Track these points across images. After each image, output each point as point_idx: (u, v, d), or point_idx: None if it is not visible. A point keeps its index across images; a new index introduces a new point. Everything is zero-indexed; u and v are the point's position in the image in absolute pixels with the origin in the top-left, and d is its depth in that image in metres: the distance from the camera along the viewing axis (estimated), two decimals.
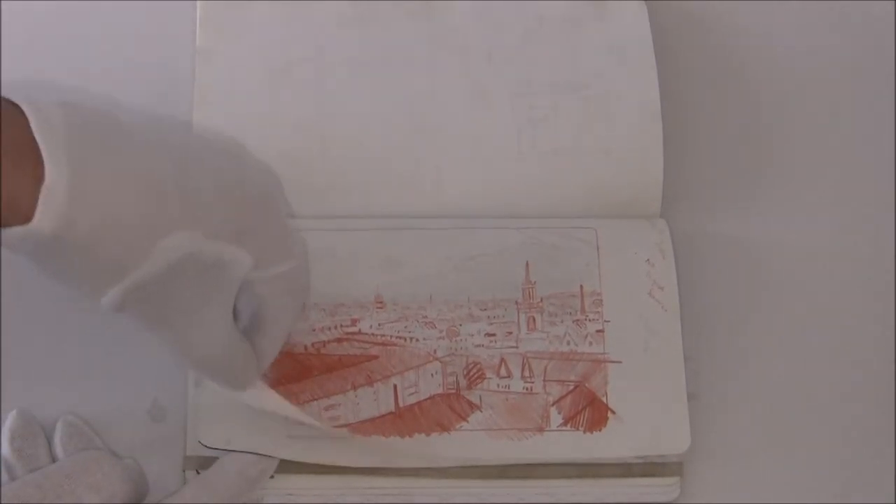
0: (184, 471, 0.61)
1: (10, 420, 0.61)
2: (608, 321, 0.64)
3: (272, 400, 0.59)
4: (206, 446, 0.60)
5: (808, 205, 0.69)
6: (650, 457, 0.62)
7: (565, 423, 0.62)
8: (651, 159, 0.67)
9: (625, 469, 0.62)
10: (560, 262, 0.65)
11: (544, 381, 0.63)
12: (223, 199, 0.52)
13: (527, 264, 0.65)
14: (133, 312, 0.52)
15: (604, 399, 0.62)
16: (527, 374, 0.63)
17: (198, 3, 0.68)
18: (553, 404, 0.62)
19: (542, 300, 0.64)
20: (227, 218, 0.52)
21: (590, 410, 0.62)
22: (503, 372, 0.63)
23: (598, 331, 0.63)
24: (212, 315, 0.54)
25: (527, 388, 0.62)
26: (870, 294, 0.68)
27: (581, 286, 0.65)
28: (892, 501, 0.64)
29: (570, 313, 0.64)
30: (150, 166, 0.50)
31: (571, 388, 0.62)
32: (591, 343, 0.63)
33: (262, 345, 0.57)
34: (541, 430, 0.62)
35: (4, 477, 0.60)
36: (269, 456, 0.60)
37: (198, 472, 0.61)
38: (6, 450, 0.60)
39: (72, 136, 0.48)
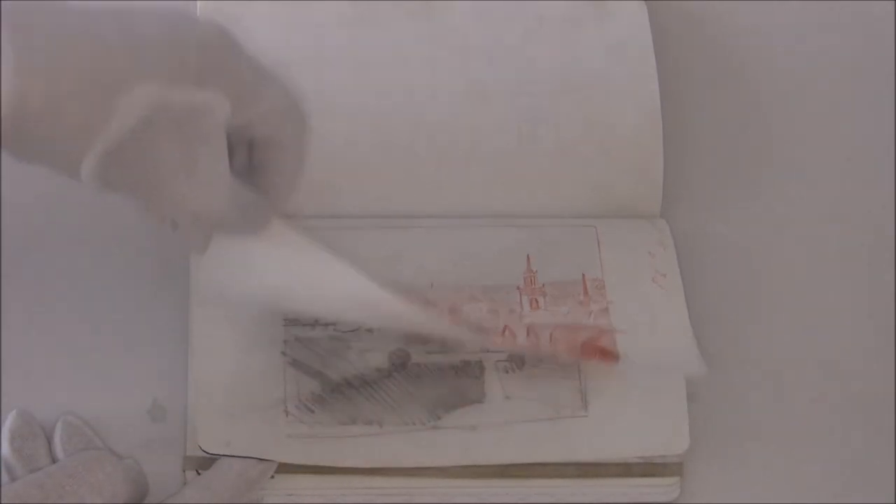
0: (184, 471, 0.61)
1: (10, 420, 0.61)
2: (612, 301, 0.64)
3: (291, 241, 0.57)
4: (206, 452, 0.60)
5: (809, 205, 0.69)
6: (650, 457, 0.62)
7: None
8: (651, 159, 0.67)
9: (625, 469, 0.62)
10: (560, 255, 0.65)
11: (551, 341, 0.63)
12: (175, 44, 0.51)
13: (528, 257, 0.65)
14: (120, 183, 0.51)
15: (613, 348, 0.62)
16: (532, 337, 0.63)
17: (198, 3, 0.68)
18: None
19: (543, 286, 0.64)
20: (183, 62, 0.51)
21: (600, 355, 0.62)
22: (507, 335, 0.63)
23: (602, 309, 0.63)
24: (205, 168, 0.53)
25: (533, 344, 0.63)
26: (870, 294, 0.68)
27: (583, 274, 0.65)
28: (893, 501, 0.64)
29: (573, 296, 0.64)
30: (90, 26, 0.50)
31: (579, 346, 0.63)
32: (595, 319, 0.63)
33: (272, 185, 0.56)
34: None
35: (4, 477, 0.60)
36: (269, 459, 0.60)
37: (198, 473, 0.61)
38: (6, 450, 0.60)
39: (7, 14, 0.48)
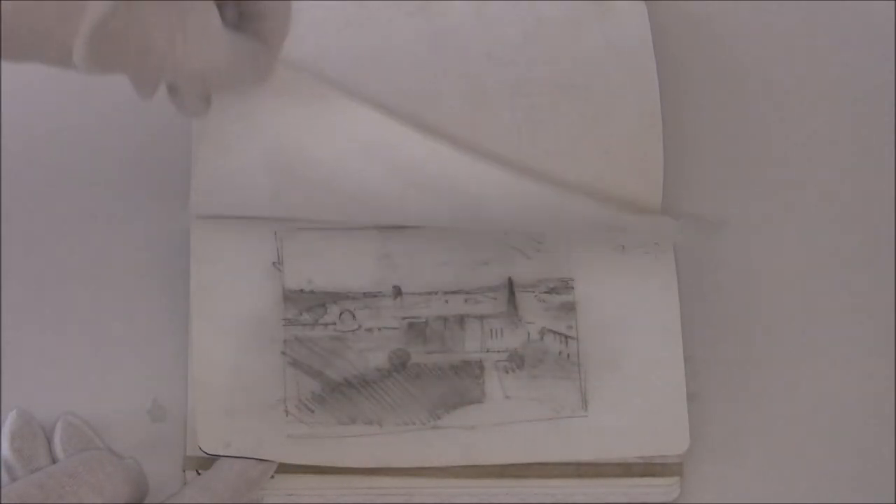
0: (184, 471, 0.62)
1: (10, 420, 0.61)
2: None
3: (300, 84, 0.56)
4: (205, 452, 0.60)
5: (809, 205, 0.69)
6: (650, 457, 0.62)
7: None
8: (651, 159, 0.67)
9: (625, 469, 0.62)
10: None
11: None
12: None
13: None
14: (114, 60, 0.51)
15: None
16: None
17: None
18: None
19: None
20: None
21: None
22: None
23: None
24: (197, 25, 0.52)
25: None
26: (870, 295, 0.68)
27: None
28: (893, 502, 0.64)
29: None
30: None
31: None
32: None
33: (266, 31, 0.56)
34: None
35: (4, 477, 0.60)
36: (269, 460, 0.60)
37: (198, 473, 0.61)
38: (6, 450, 0.60)
39: None
